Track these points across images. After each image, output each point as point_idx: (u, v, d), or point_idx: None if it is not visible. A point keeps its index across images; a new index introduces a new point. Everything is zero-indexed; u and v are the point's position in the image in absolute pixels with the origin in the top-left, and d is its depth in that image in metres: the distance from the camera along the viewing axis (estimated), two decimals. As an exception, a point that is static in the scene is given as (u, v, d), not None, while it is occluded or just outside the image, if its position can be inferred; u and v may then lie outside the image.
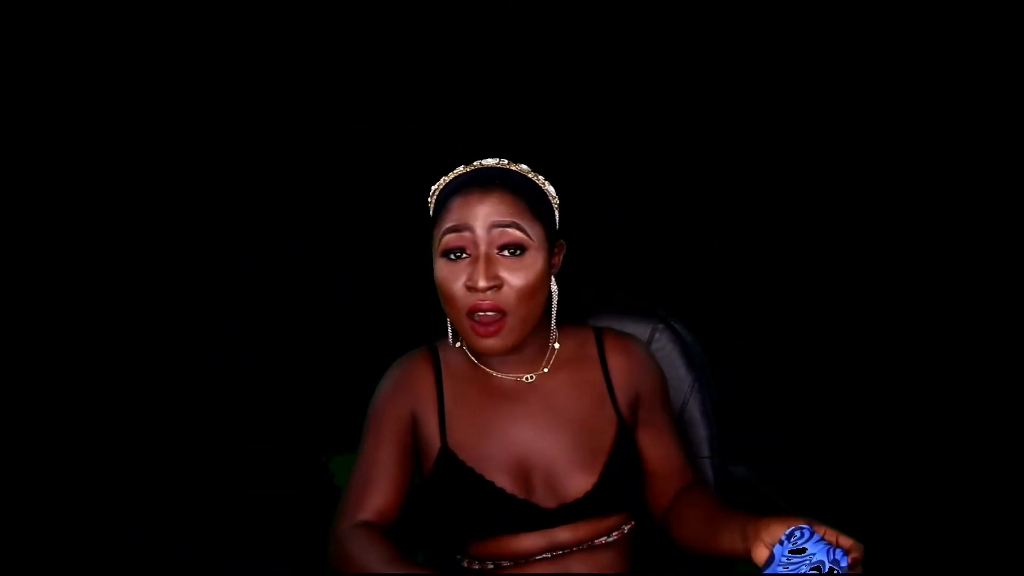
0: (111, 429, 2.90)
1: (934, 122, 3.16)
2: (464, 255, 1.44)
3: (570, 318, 1.60)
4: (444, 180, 1.52)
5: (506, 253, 1.44)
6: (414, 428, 1.53)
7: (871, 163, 3.23)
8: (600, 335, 1.61)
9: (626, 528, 1.55)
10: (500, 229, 1.43)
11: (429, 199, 1.54)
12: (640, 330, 1.76)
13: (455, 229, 1.44)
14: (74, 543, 2.57)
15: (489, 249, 1.43)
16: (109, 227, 3.08)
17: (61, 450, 2.83)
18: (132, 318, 3.08)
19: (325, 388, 3.02)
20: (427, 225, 1.51)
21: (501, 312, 1.44)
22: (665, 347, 1.76)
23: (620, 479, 1.51)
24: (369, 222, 3.19)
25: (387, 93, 3.16)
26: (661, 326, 1.77)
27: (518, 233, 1.43)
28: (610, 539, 1.53)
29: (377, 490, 1.49)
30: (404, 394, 1.54)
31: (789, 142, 3.24)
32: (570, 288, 1.57)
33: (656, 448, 1.56)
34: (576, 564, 1.51)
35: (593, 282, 1.56)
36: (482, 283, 1.41)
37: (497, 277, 1.43)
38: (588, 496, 1.49)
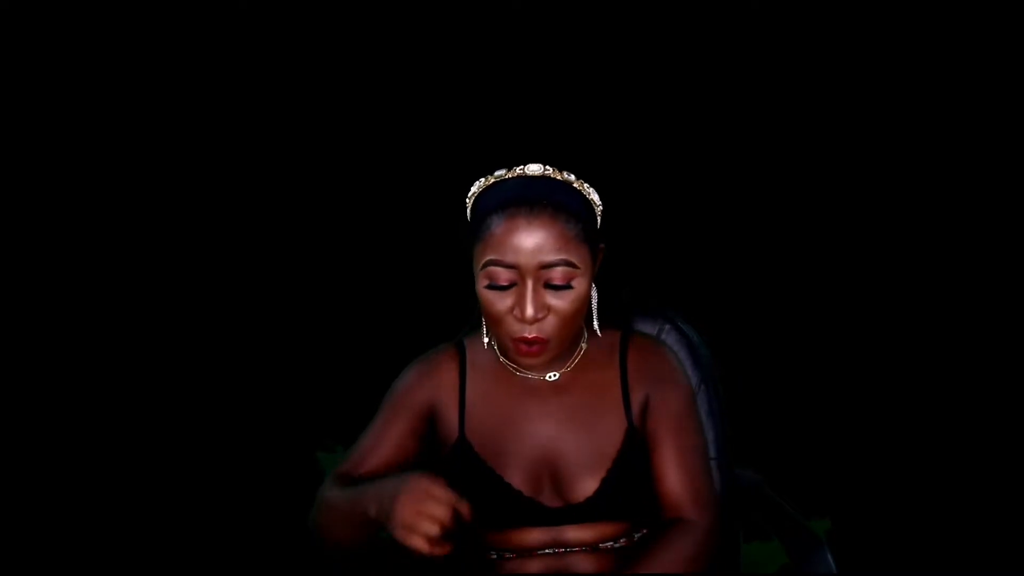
0: (103, 428, 2.90)
1: (935, 126, 3.13)
2: (511, 286, 1.42)
3: (604, 318, 1.58)
4: (483, 183, 1.47)
5: (554, 286, 1.42)
6: (431, 419, 1.56)
7: (901, 166, 3.20)
8: (627, 337, 1.59)
9: (636, 536, 1.52)
10: (549, 270, 1.40)
11: (467, 200, 1.50)
12: (645, 329, 1.74)
13: (501, 264, 1.41)
14: (70, 543, 2.58)
15: (536, 284, 1.41)
16: (107, 226, 3.07)
17: (57, 449, 2.84)
18: (129, 317, 3.07)
19: (320, 386, 3.01)
20: (432, 222, 1.50)
21: (547, 337, 1.44)
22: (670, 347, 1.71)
23: (624, 486, 1.49)
24: (367, 220, 3.17)
25: (400, 81, 3.13)
26: (667, 326, 1.75)
27: (568, 270, 1.41)
28: (616, 544, 1.51)
29: (371, 459, 1.52)
30: (425, 384, 1.57)
31: (803, 144, 3.21)
32: (607, 288, 1.57)
33: (657, 465, 1.52)
34: (577, 564, 1.50)
35: (599, 280, 1.54)
36: (529, 316, 1.40)
37: (545, 307, 1.42)
38: (590, 500, 1.48)
